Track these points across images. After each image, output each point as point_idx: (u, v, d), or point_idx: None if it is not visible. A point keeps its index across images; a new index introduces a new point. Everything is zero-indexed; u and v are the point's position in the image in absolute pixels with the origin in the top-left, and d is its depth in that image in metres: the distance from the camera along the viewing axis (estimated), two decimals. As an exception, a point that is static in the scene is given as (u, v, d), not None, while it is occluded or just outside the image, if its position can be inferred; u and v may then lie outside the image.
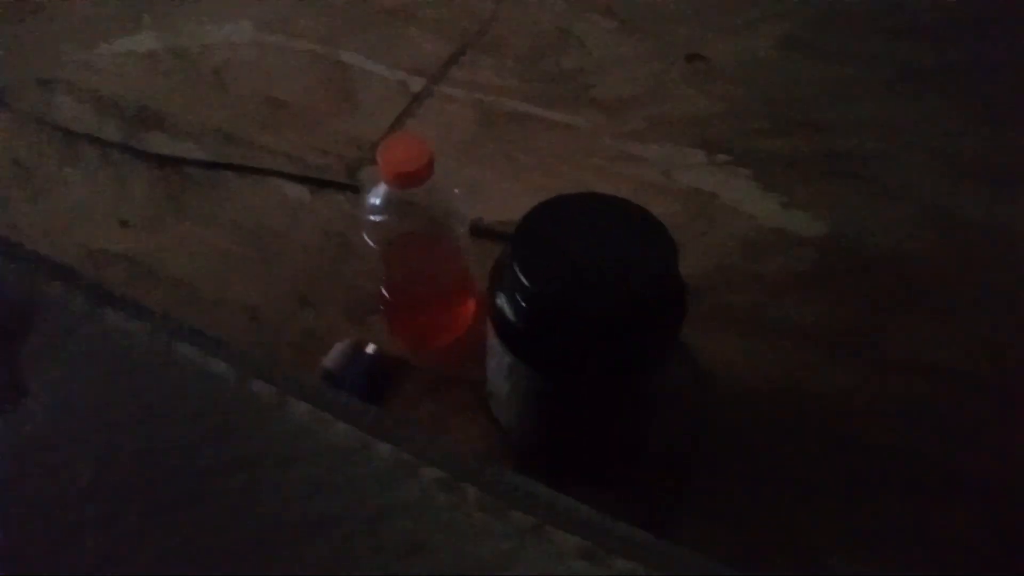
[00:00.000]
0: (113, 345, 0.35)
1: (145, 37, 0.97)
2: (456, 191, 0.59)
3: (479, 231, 0.71)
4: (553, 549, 0.31)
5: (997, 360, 0.65)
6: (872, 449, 0.60)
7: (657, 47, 0.94)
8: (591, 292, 0.48)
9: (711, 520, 0.56)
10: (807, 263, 0.72)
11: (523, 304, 0.50)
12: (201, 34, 0.97)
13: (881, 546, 0.56)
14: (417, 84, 0.89)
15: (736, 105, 0.86)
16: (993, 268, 0.71)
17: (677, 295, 0.51)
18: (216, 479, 0.31)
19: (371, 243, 0.60)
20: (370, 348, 0.65)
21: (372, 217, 0.58)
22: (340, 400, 0.35)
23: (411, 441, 0.34)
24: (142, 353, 0.35)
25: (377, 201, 0.57)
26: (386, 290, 0.65)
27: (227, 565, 0.30)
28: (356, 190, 0.79)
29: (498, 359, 0.54)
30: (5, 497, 0.30)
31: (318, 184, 0.80)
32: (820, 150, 0.81)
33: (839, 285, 0.70)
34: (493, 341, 0.54)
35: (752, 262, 0.72)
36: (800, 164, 0.80)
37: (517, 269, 0.49)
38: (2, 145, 0.83)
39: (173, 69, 0.92)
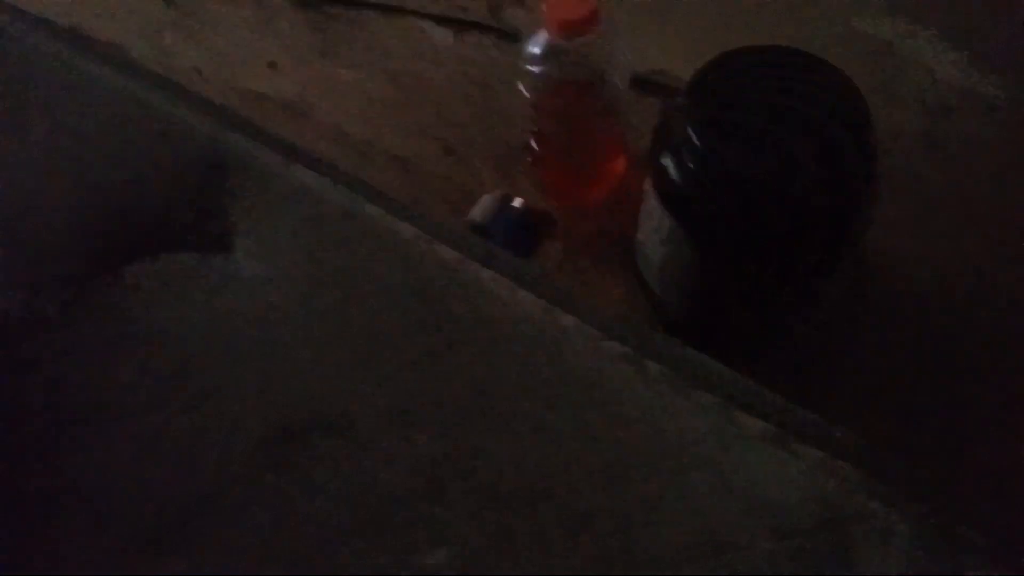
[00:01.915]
0: (306, 203, 0.36)
1: None
2: (619, 42, 0.56)
3: (640, 84, 0.67)
4: (738, 431, 0.31)
5: None
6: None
7: None
8: (773, 161, 0.44)
9: (861, 407, 0.55)
10: (992, 129, 0.65)
11: (690, 164, 0.47)
12: None
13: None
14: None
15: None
16: None
17: (866, 175, 0.46)
18: (416, 337, 0.32)
19: (526, 93, 0.58)
20: (517, 202, 0.64)
21: (530, 66, 0.55)
22: (521, 268, 0.35)
23: (593, 314, 0.34)
24: (334, 212, 0.35)
25: (537, 50, 0.55)
26: (535, 141, 0.64)
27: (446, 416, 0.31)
28: (500, 32, 0.75)
29: (657, 223, 0.52)
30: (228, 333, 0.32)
31: (461, 25, 0.77)
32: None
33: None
34: (652, 203, 0.52)
35: (933, 125, 0.66)
36: (988, 16, 0.70)
37: (691, 129, 0.46)
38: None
39: None
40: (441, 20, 0.77)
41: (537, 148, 0.64)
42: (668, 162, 0.49)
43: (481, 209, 0.64)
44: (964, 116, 0.66)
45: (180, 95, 0.40)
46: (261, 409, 0.32)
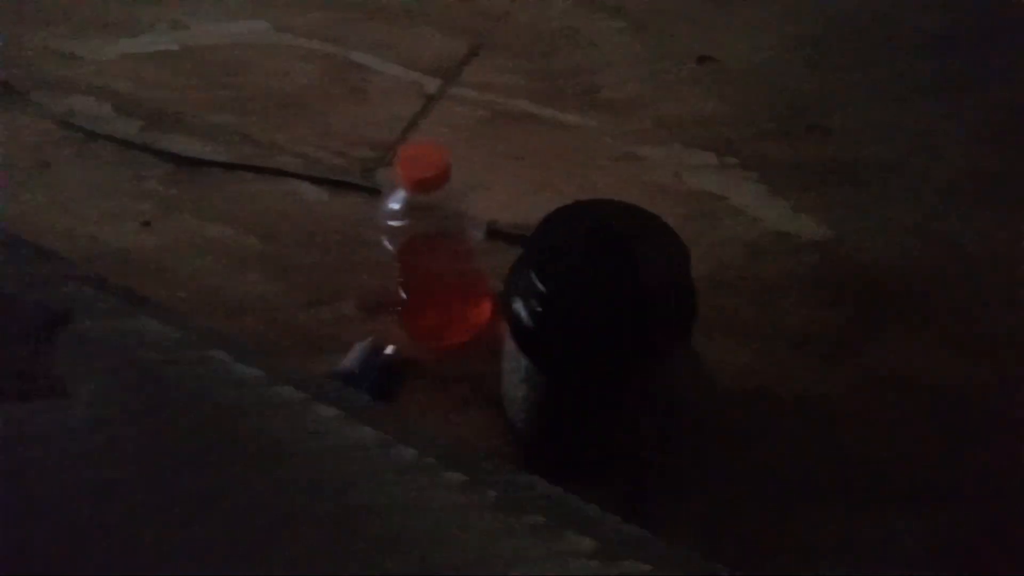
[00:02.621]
0: (148, 350, 0.37)
1: (159, 36, 0.98)
2: (470, 195, 0.61)
3: (492, 233, 0.73)
4: (567, 547, 0.33)
5: (994, 372, 0.66)
6: (867, 458, 0.61)
7: (666, 47, 0.95)
8: (605, 297, 0.49)
9: (709, 520, 0.58)
10: (809, 267, 0.73)
11: (539, 309, 0.51)
12: (216, 33, 0.98)
13: (872, 553, 0.57)
14: (431, 84, 0.91)
15: (745, 108, 0.88)
16: (990, 282, 0.72)
17: (688, 300, 0.52)
18: (249, 472, 0.33)
19: (389, 246, 0.61)
20: (389, 349, 0.67)
21: (390, 221, 0.60)
22: (362, 403, 0.37)
23: (433, 444, 0.35)
24: (175, 359, 0.37)
25: (395, 205, 0.59)
26: (403, 290, 0.67)
27: (260, 554, 0.32)
28: (372, 191, 0.80)
29: (514, 363, 0.56)
30: (49, 488, 0.32)
31: (335, 185, 0.81)
32: (827, 155, 0.83)
33: (840, 290, 0.72)
34: (509, 345, 0.56)
35: (755, 265, 0.74)
36: (807, 169, 0.82)
37: (533, 274, 0.51)
38: (26, 144, 0.85)
39: (189, 68, 0.94)
40: (316, 180, 0.82)
41: (405, 296, 0.67)
42: (518, 307, 0.53)
43: (348, 358, 0.66)
44: (785, 255, 0.74)
45: (29, 251, 0.41)
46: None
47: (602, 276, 0.50)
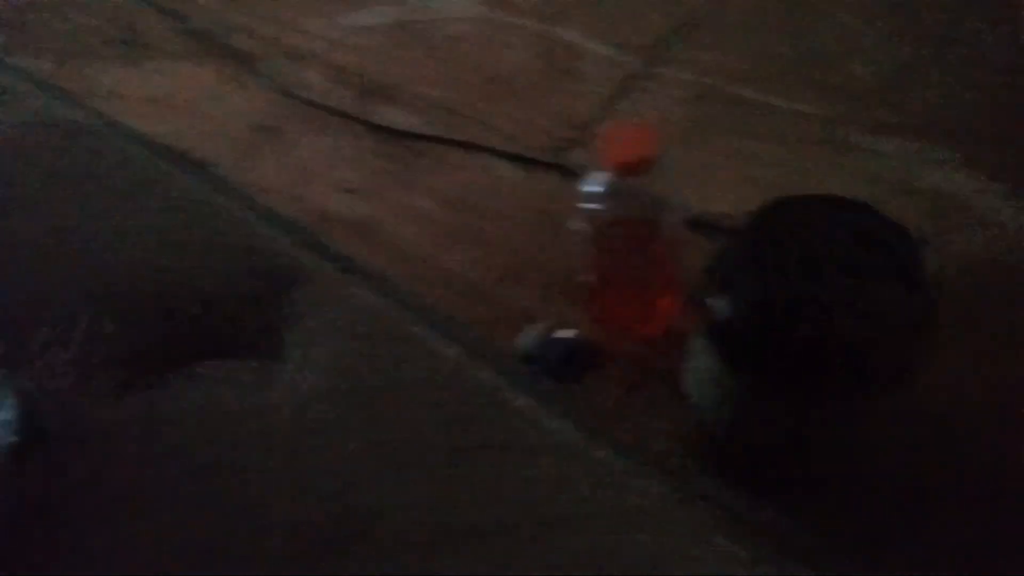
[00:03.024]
0: (359, 321, 0.37)
1: (376, 13, 1.02)
2: (675, 182, 0.57)
3: (693, 223, 0.68)
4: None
5: None
6: None
7: (908, 30, 0.84)
8: (821, 309, 0.44)
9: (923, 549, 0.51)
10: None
11: (745, 312, 0.47)
12: (427, 9, 1.00)
13: None
14: (637, 64, 0.87)
15: (998, 99, 0.76)
16: None
17: (922, 321, 0.45)
18: (457, 457, 0.32)
19: (584, 227, 0.59)
20: (568, 332, 0.65)
21: (588, 204, 0.57)
22: (561, 396, 0.35)
23: (624, 447, 0.33)
24: (384, 330, 0.37)
25: (595, 187, 0.57)
26: (592, 275, 0.65)
27: (466, 543, 0.30)
28: (566, 171, 0.78)
29: (704, 360, 0.52)
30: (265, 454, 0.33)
31: (531, 163, 0.80)
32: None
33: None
34: (701, 341, 0.52)
35: (1000, 279, 0.64)
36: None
37: (742, 272, 0.46)
38: (251, 112, 0.92)
39: (401, 43, 0.97)
40: (513, 158, 0.81)
41: (593, 281, 0.65)
42: (717, 302, 0.49)
43: (531, 337, 0.65)
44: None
45: (258, 212, 0.43)
46: (290, 509, 0.32)
47: (823, 282, 0.45)
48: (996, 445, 0.56)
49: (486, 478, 0.33)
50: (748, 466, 0.56)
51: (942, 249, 0.66)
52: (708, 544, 0.31)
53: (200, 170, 0.83)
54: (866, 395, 0.45)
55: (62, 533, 0.35)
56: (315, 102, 0.91)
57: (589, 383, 0.63)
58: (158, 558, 0.33)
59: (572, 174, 0.78)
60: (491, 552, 0.31)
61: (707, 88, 0.83)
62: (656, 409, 0.61)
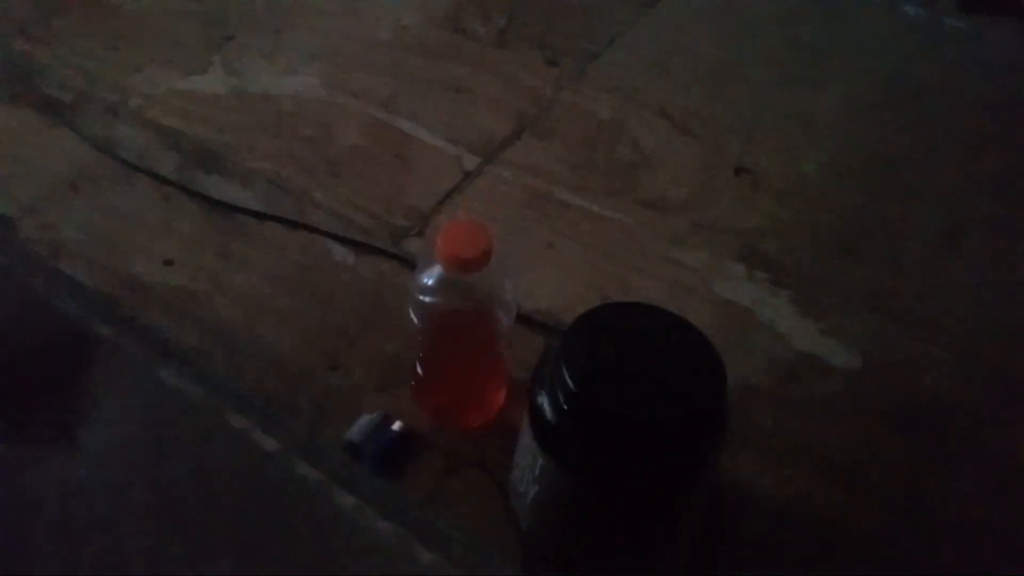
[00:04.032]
0: (167, 405, 0.35)
1: (214, 79, 0.99)
2: (507, 280, 0.60)
3: (523, 319, 0.72)
4: None
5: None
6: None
7: (707, 154, 0.95)
8: (639, 404, 0.48)
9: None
10: (835, 393, 0.72)
11: (566, 407, 0.50)
12: (269, 83, 0.99)
13: None
14: (471, 161, 0.91)
15: (780, 223, 0.87)
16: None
17: (721, 418, 0.51)
18: (259, 562, 0.31)
19: (416, 320, 0.60)
20: (396, 424, 0.65)
21: (422, 296, 0.58)
22: (385, 494, 0.35)
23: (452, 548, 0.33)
24: (194, 418, 0.35)
25: (429, 281, 0.58)
26: (421, 364, 0.66)
27: None
28: (399, 258, 0.79)
29: (530, 458, 0.54)
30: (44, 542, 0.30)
31: (362, 247, 0.81)
32: (863, 282, 0.82)
33: (865, 420, 0.70)
34: (527, 439, 0.54)
35: (780, 384, 0.72)
36: (840, 292, 0.81)
37: (565, 372, 0.49)
38: (63, 164, 0.85)
39: (236, 113, 0.95)
40: (344, 240, 0.81)
41: (422, 371, 0.66)
42: (544, 401, 0.52)
43: (359, 428, 0.64)
44: (811, 379, 0.73)
45: (57, 278, 0.39)
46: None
47: (636, 382, 0.49)
48: (776, 532, 0.62)
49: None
50: (563, 560, 0.58)
51: (734, 353, 0.74)
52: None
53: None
54: (663, 477, 0.49)
55: None
56: (133, 163, 0.86)
57: (414, 474, 0.63)
58: None
59: (405, 261, 0.79)
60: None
61: (536, 190, 0.88)
62: (473, 497, 0.62)
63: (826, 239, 0.86)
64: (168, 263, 0.77)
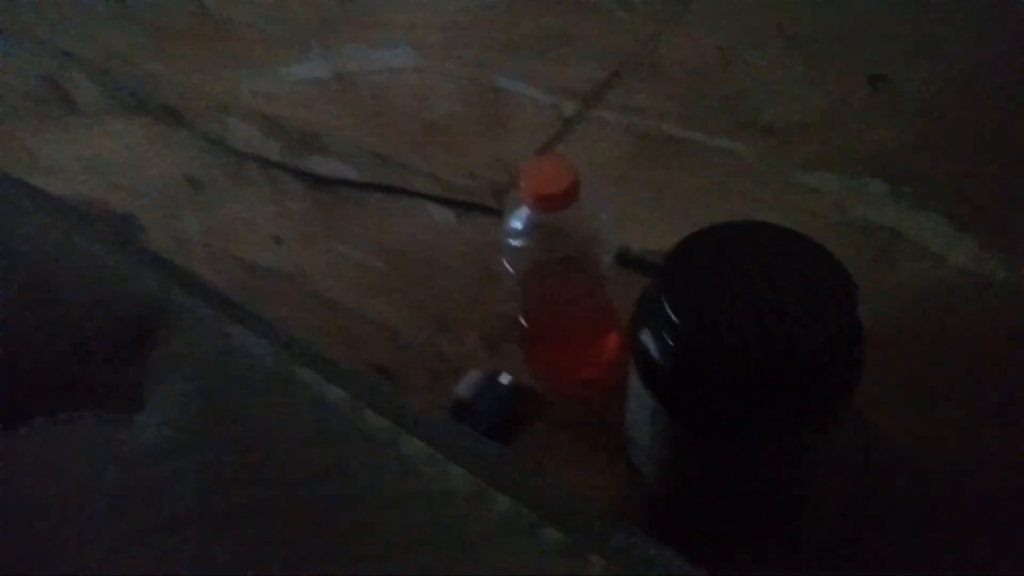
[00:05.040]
0: (235, 363, 0.34)
1: (313, 64, 1.00)
2: (603, 217, 0.55)
3: (627, 261, 0.67)
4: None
5: None
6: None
7: (834, 67, 0.85)
8: (753, 337, 0.42)
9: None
10: (1003, 317, 0.62)
11: (672, 344, 0.45)
12: (364, 60, 0.99)
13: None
14: (570, 108, 0.86)
15: (926, 134, 0.77)
16: None
17: (853, 348, 0.43)
18: (320, 514, 0.29)
19: (510, 269, 0.57)
20: (504, 378, 0.62)
21: (512, 241, 0.55)
22: (460, 439, 0.32)
23: (533, 492, 0.30)
24: (262, 374, 0.33)
25: (518, 225, 0.54)
26: (524, 319, 0.62)
27: None
28: (500, 214, 0.76)
29: (640, 402, 0.49)
30: (106, 512, 0.29)
31: (464, 207, 0.78)
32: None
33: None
34: (635, 382, 0.49)
35: (938, 313, 0.63)
36: (1002, 201, 0.69)
37: (666, 303, 0.44)
38: (178, 162, 0.89)
39: (334, 93, 0.95)
40: (444, 201, 0.79)
41: (525, 325, 0.62)
42: (647, 341, 0.47)
43: (467, 385, 0.62)
44: (969, 299, 0.63)
45: (123, 249, 0.40)
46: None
47: (751, 312, 0.43)
48: (933, 485, 0.54)
49: (379, 531, 0.29)
50: (689, 521, 0.53)
51: (876, 281, 0.65)
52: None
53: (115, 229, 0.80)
54: (797, 428, 0.43)
55: None
56: (241, 152, 0.89)
57: (527, 431, 0.60)
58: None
59: (504, 216, 0.76)
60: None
61: (642, 130, 0.82)
62: (594, 456, 0.58)
63: (980, 144, 0.74)
64: (277, 240, 0.78)
